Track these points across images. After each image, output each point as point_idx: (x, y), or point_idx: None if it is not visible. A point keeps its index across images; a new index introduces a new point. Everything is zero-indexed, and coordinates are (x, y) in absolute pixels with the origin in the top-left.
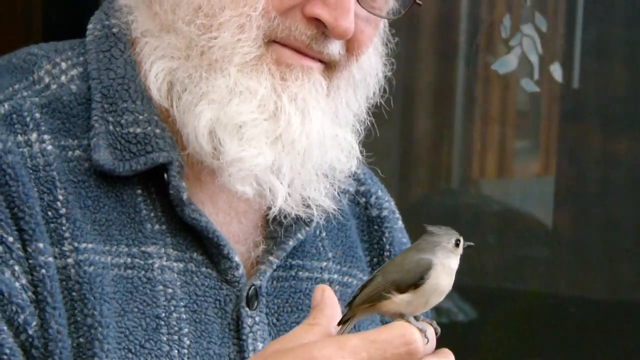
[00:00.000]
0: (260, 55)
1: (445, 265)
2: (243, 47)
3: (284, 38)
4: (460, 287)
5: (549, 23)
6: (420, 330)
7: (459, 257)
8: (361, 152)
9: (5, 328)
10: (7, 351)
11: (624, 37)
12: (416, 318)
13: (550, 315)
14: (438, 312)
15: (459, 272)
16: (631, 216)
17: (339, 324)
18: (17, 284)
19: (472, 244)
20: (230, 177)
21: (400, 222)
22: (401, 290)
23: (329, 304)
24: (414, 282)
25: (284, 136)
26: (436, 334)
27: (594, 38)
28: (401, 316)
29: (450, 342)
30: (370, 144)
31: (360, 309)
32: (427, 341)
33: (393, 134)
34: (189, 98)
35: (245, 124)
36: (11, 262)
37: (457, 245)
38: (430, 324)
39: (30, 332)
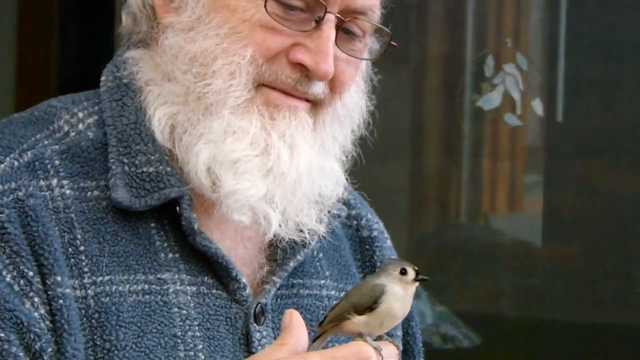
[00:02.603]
0: (251, 98)
1: (395, 291)
2: (235, 92)
3: (271, 82)
4: (466, 314)
5: (529, 61)
6: (375, 348)
7: (410, 286)
8: (348, 179)
9: (22, 354)
10: None
11: (601, 72)
12: (380, 337)
13: (552, 341)
14: (444, 339)
15: (466, 299)
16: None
17: (313, 341)
18: (35, 314)
19: (426, 278)
20: (228, 207)
21: (389, 242)
22: (359, 312)
23: (296, 326)
24: (369, 305)
25: (274, 169)
26: (398, 350)
27: (574, 73)
28: (360, 336)
29: None
30: (381, 181)
31: (327, 327)
32: (382, 358)
33: (402, 170)
34: (188, 139)
35: (239, 160)
36: (31, 294)
37: (402, 273)
38: (392, 342)
39: (45, 357)
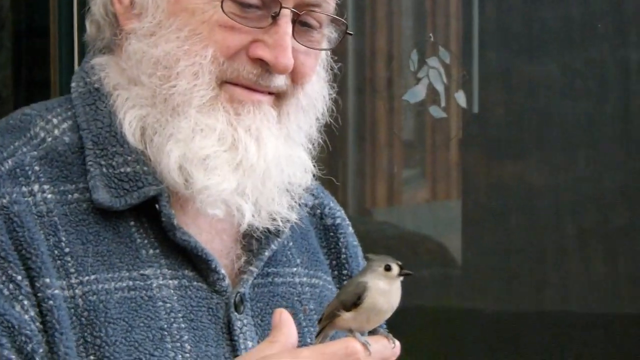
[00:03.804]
0: (215, 96)
1: (378, 287)
2: (199, 91)
3: (234, 78)
4: None
5: (452, 55)
6: (363, 343)
7: (394, 280)
8: (315, 166)
9: (14, 357)
10: None
11: (516, 65)
12: (374, 332)
13: (446, 327)
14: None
15: None
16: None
17: (316, 337)
18: (26, 317)
19: (410, 272)
20: (201, 203)
21: (350, 228)
22: (347, 309)
23: (286, 324)
24: (353, 301)
25: (243, 162)
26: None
27: (488, 66)
28: (350, 331)
29: None
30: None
31: (323, 324)
32: (370, 353)
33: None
34: (159, 140)
35: (209, 157)
36: (21, 297)
37: (387, 269)
38: (386, 337)
39: (37, 358)
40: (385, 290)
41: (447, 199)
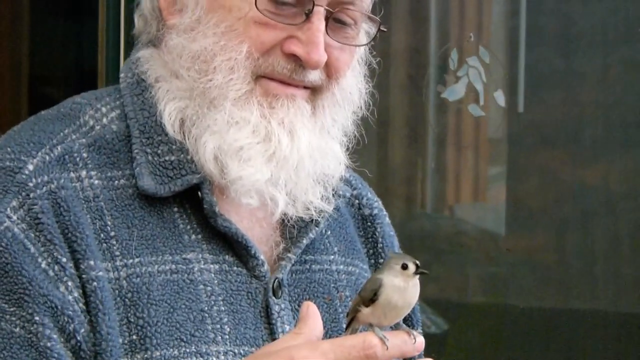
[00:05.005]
0: (250, 90)
1: (393, 284)
2: (235, 85)
3: (268, 73)
4: (432, 301)
5: (491, 55)
6: (381, 338)
7: (411, 278)
8: (350, 158)
9: (55, 336)
10: (56, 355)
11: (560, 64)
12: (396, 327)
13: (515, 325)
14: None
15: (434, 288)
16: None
17: (345, 330)
18: (69, 297)
19: (426, 272)
20: (235, 192)
21: (387, 218)
22: (365, 304)
23: (311, 317)
24: (370, 297)
25: (277, 154)
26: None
27: (534, 66)
28: (371, 326)
29: (424, 352)
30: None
31: (349, 319)
32: (387, 348)
33: (368, 162)
34: (196, 131)
35: (242, 148)
36: (65, 278)
37: (404, 267)
38: (407, 333)
39: (78, 337)
40: (400, 287)
41: (487, 201)
